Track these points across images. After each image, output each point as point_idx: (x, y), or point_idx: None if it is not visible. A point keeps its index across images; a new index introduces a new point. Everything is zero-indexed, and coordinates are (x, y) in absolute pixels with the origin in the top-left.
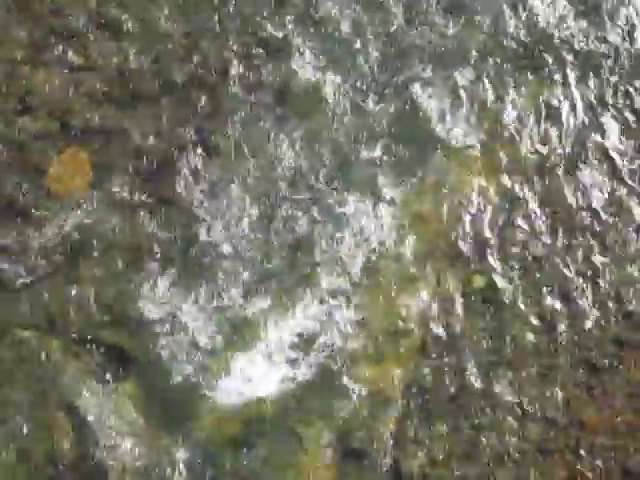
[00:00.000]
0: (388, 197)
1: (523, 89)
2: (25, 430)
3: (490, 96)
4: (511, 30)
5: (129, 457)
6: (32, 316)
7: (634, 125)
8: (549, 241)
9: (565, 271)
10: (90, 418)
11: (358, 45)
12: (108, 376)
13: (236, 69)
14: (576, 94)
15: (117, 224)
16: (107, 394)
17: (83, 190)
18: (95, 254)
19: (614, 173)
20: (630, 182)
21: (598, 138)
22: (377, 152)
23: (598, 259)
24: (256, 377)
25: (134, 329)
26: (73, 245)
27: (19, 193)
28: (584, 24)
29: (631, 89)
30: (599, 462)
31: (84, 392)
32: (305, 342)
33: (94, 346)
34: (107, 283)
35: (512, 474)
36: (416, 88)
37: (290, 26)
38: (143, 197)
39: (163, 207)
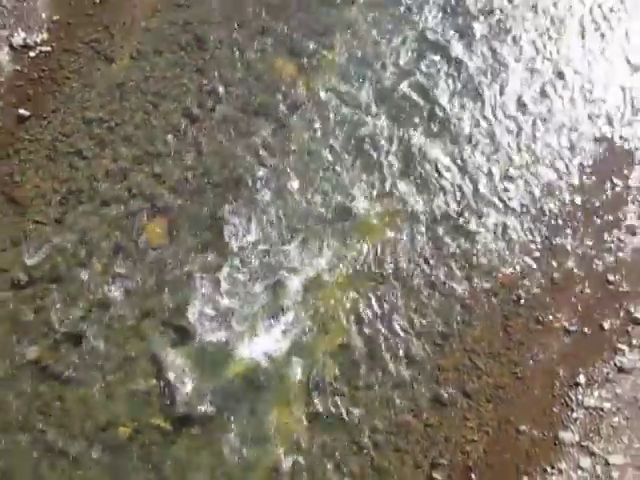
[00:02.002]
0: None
1: None
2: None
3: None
4: None
5: (186, 385)
6: (136, 313)
7: None
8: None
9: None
10: (165, 365)
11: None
12: (175, 342)
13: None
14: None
15: (183, 259)
16: (175, 352)
17: (163, 242)
18: (168, 277)
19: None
20: None
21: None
22: None
23: None
24: (263, 344)
25: (190, 318)
26: (153, 270)
27: (125, 243)
28: None
29: None
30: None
31: (163, 351)
32: (288, 325)
33: (168, 327)
34: (174, 292)
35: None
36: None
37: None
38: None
39: (207, 250)
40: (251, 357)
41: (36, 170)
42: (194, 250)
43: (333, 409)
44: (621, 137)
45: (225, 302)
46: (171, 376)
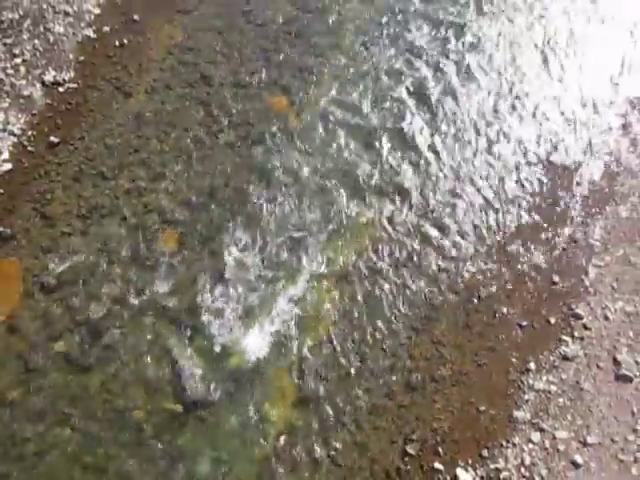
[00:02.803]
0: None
1: None
2: (149, 361)
3: None
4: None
5: (195, 371)
6: (150, 311)
7: None
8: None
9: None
10: (176, 355)
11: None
12: (187, 338)
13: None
14: None
15: (192, 263)
16: (186, 345)
17: (174, 248)
18: (179, 279)
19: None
20: None
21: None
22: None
23: None
24: (255, 338)
25: (200, 319)
26: (166, 273)
27: (141, 251)
28: None
29: None
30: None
31: (176, 345)
32: (283, 321)
33: (182, 325)
34: (185, 292)
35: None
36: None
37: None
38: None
39: (212, 255)
40: (245, 348)
41: (64, 189)
42: (202, 256)
43: (320, 393)
44: (566, 161)
45: (231, 300)
46: (182, 366)
